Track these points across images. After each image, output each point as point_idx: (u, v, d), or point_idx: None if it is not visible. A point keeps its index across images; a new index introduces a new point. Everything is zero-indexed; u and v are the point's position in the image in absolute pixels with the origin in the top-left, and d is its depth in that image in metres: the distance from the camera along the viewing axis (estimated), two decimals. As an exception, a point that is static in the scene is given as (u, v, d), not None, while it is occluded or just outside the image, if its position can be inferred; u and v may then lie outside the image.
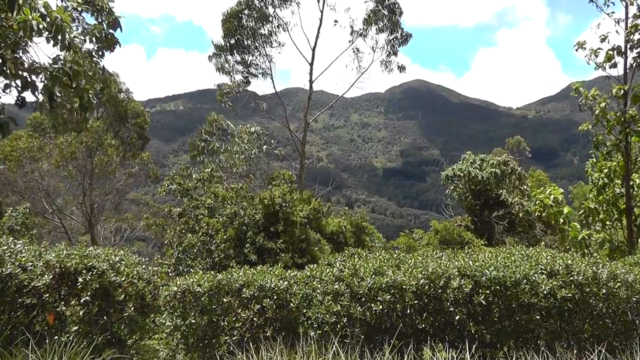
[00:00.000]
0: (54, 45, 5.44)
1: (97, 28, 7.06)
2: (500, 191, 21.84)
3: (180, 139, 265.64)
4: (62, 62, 5.78)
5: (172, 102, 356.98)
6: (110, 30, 7.30)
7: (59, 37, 5.36)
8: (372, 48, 27.24)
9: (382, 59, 27.20)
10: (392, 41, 26.71)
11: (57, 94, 5.81)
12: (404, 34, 26.80)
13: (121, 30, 7.45)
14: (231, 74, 25.13)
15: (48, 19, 5.31)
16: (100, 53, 7.25)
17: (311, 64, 26.46)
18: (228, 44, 24.94)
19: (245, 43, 25.10)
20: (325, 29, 55.90)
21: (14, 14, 5.23)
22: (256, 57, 25.73)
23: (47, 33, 5.34)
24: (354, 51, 27.85)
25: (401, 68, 26.98)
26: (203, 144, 21.31)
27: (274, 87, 27.37)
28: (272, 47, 25.76)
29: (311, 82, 26.61)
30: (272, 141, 24.94)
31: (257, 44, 25.27)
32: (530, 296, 6.02)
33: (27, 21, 5.19)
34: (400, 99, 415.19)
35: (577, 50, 14.61)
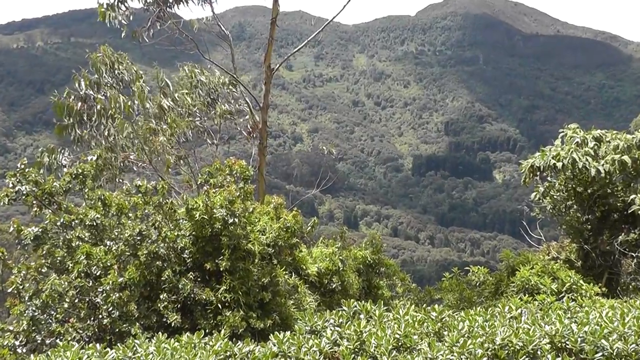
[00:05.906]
0: None
1: None
2: (632, 197, 22.00)
3: (38, 100, 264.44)
4: None
5: (20, 34, 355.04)
6: None
7: None
8: None
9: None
10: None
11: None
12: None
13: None
14: None
15: None
16: None
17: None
18: None
19: None
20: None
21: None
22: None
23: None
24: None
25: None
26: (80, 104, 20.92)
27: (211, 5, 26.75)
28: None
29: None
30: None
31: None
32: (686, 388, 6.06)
33: None
34: (445, 27, 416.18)
35: None
